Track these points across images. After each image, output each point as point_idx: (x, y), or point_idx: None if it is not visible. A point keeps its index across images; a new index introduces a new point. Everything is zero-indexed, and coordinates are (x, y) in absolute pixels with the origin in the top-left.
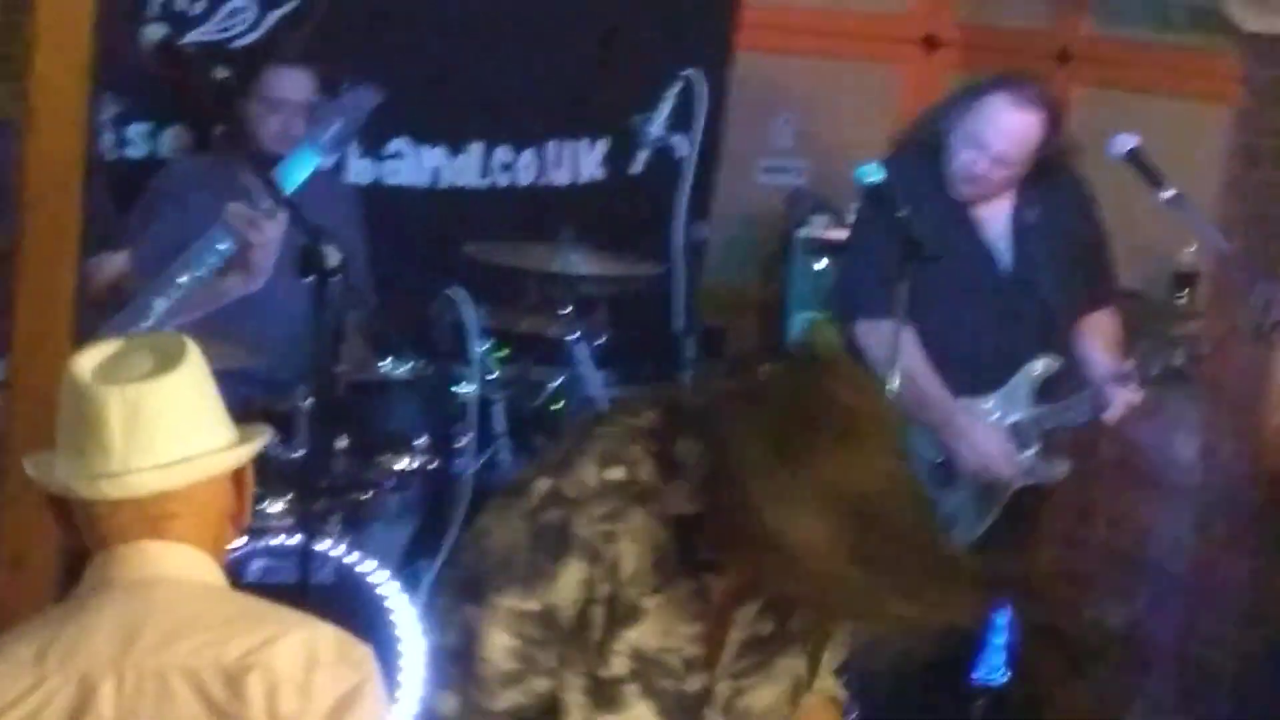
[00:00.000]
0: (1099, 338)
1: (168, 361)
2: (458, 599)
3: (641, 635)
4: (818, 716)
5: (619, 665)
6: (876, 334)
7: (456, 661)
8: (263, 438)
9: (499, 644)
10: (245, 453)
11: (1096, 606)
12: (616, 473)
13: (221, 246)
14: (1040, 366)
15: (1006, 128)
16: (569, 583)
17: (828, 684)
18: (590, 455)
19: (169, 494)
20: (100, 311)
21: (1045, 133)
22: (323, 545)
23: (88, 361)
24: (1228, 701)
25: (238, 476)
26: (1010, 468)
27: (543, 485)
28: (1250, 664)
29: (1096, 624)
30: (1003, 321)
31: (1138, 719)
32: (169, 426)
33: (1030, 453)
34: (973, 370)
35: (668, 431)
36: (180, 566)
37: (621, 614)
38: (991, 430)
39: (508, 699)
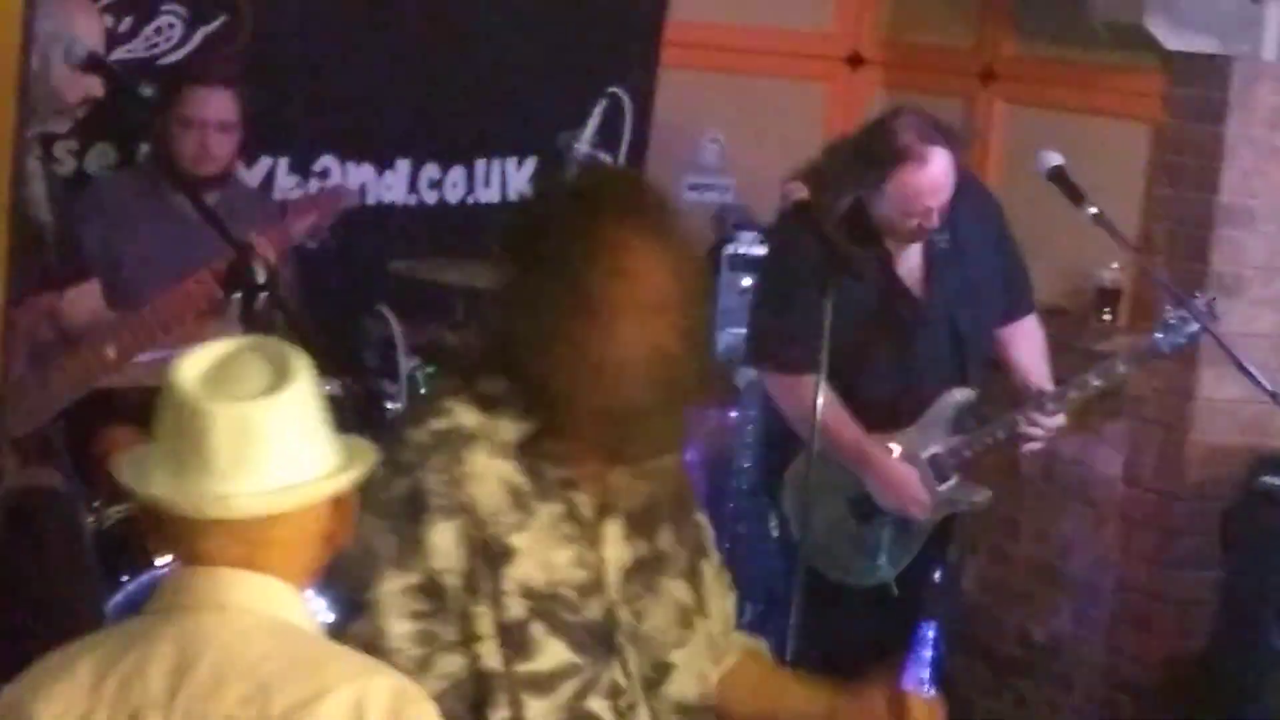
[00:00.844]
0: (1024, 342)
1: (279, 377)
2: (342, 621)
3: (524, 572)
4: (749, 668)
5: (516, 607)
6: (794, 393)
7: None
8: (369, 460)
9: (398, 632)
10: (351, 478)
11: (1021, 620)
12: (440, 423)
13: None
14: (957, 398)
15: (931, 185)
16: (443, 544)
17: (739, 639)
18: (411, 423)
19: (270, 520)
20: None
21: (955, 158)
22: None
23: (193, 369)
24: (1151, 715)
25: (339, 500)
26: (926, 508)
27: (378, 475)
28: (1173, 677)
29: (1021, 637)
30: (918, 356)
31: None
32: (276, 450)
33: (950, 484)
34: (889, 405)
35: (469, 377)
36: (251, 598)
37: (497, 555)
38: (908, 469)
39: (428, 689)
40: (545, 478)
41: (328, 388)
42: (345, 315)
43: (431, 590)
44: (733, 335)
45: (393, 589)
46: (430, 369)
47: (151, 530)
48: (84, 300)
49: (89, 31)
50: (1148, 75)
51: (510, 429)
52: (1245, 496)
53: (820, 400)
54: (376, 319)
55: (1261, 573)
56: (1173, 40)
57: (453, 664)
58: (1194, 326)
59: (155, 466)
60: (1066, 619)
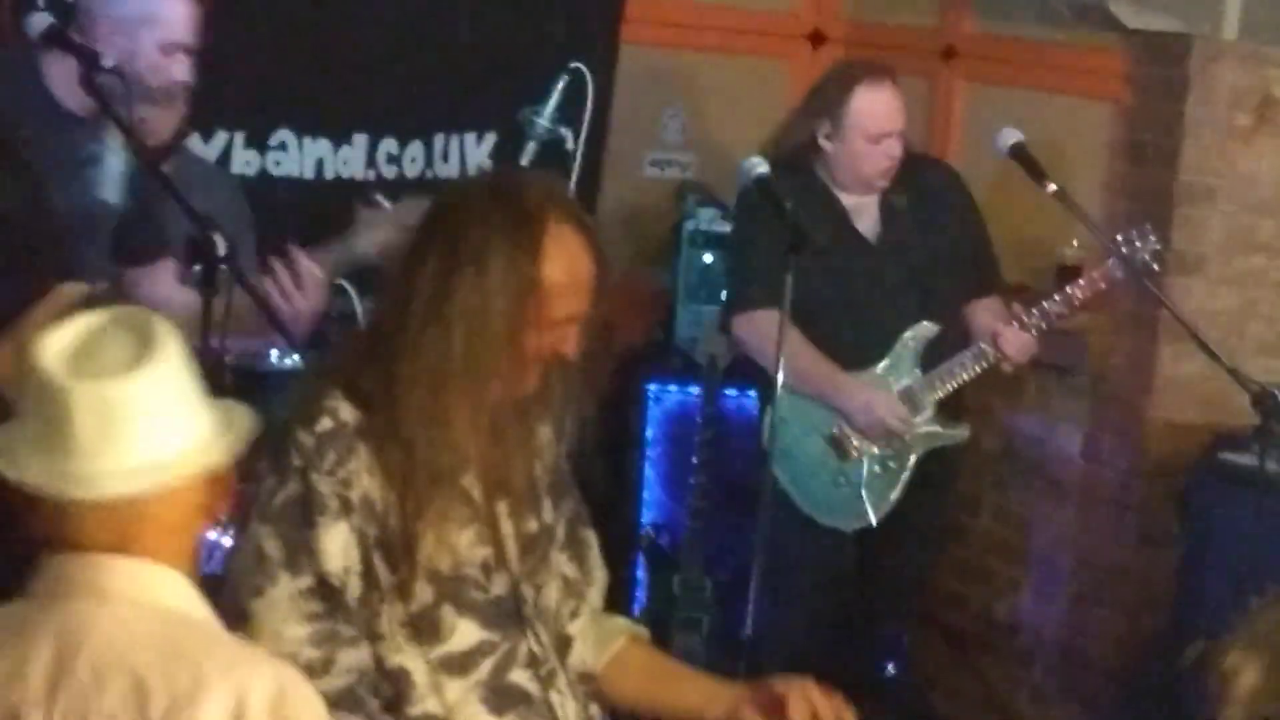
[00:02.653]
0: (985, 307)
1: (143, 351)
2: (238, 628)
3: (428, 558)
4: (636, 652)
5: (423, 594)
6: (753, 324)
7: None
8: (240, 430)
9: (294, 636)
10: (220, 453)
11: (982, 597)
12: (325, 424)
13: None
14: (917, 331)
15: (888, 109)
16: (335, 548)
17: (623, 622)
18: (294, 426)
19: (141, 499)
20: None
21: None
22: (211, 534)
23: (54, 347)
24: (1111, 691)
25: (218, 478)
26: (904, 424)
27: (267, 480)
28: (1133, 654)
29: (982, 614)
30: (875, 295)
31: (1023, 708)
32: (142, 428)
33: (925, 416)
34: (856, 348)
35: (348, 373)
36: (132, 586)
37: (398, 544)
38: (880, 391)
39: (334, 685)
40: (436, 461)
41: (289, 362)
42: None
43: (325, 592)
44: (693, 312)
45: (285, 593)
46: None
47: (22, 513)
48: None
49: (178, 16)
50: (1109, 54)
51: (388, 422)
52: (1205, 473)
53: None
54: (338, 294)
55: (1221, 549)
56: (1134, 19)
57: (356, 658)
58: (1147, 251)
59: (23, 448)
60: (1027, 596)
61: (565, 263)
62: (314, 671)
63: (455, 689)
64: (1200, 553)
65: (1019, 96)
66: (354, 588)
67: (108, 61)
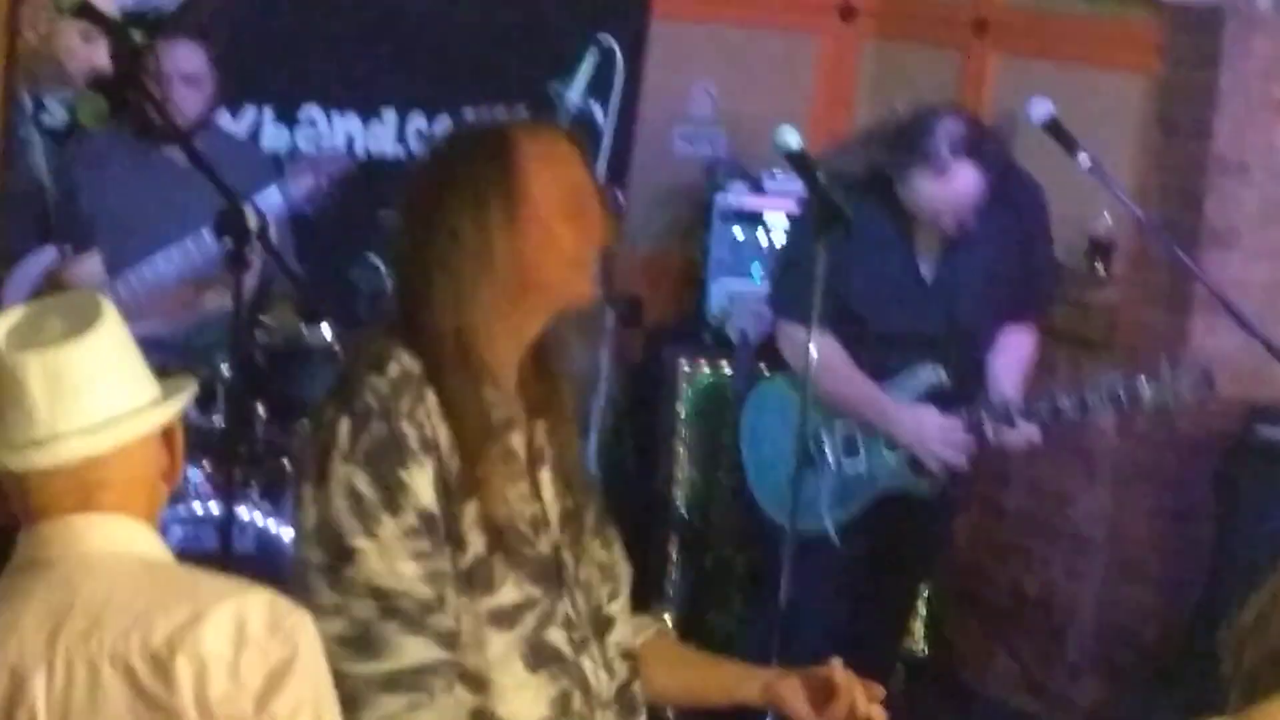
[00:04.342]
0: (1009, 355)
1: (84, 322)
2: (328, 575)
3: (484, 505)
4: (664, 644)
5: (476, 543)
6: (790, 340)
7: (385, 618)
8: (189, 390)
9: (409, 574)
10: (173, 408)
11: (1014, 573)
12: (394, 369)
13: None
14: (926, 372)
15: (947, 199)
16: (424, 484)
17: (648, 618)
18: (362, 373)
19: (100, 459)
20: None
21: (988, 175)
22: (243, 513)
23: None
24: (1145, 667)
25: (168, 433)
26: (957, 450)
27: (343, 426)
28: (1167, 630)
29: (1013, 591)
30: (910, 333)
31: (1055, 684)
32: (93, 389)
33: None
34: (875, 361)
35: (397, 330)
36: (109, 540)
37: (459, 489)
38: (923, 411)
39: (438, 624)
40: (488, 415)
41: (321, 335)
42: (335, 266)
43: (427, 529)
44: (724, 286)
45: (393, 532)
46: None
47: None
48: (86, 273)
49: None
50: (1142, 26)
51: (440, 372)
52: (1239, 448)
53: (828, 353)
54: (367, 269)
55: (1256, 524)
56: None
57: (455, 598)
58: (1178, 389)
59: None
60: (1059, 572)
61: (543, 170)
62: (430, 609)
63: (499, 644)
64: (1234, 527)
65: (1051, 69)
66: (439, 526)
67: (136, 37)
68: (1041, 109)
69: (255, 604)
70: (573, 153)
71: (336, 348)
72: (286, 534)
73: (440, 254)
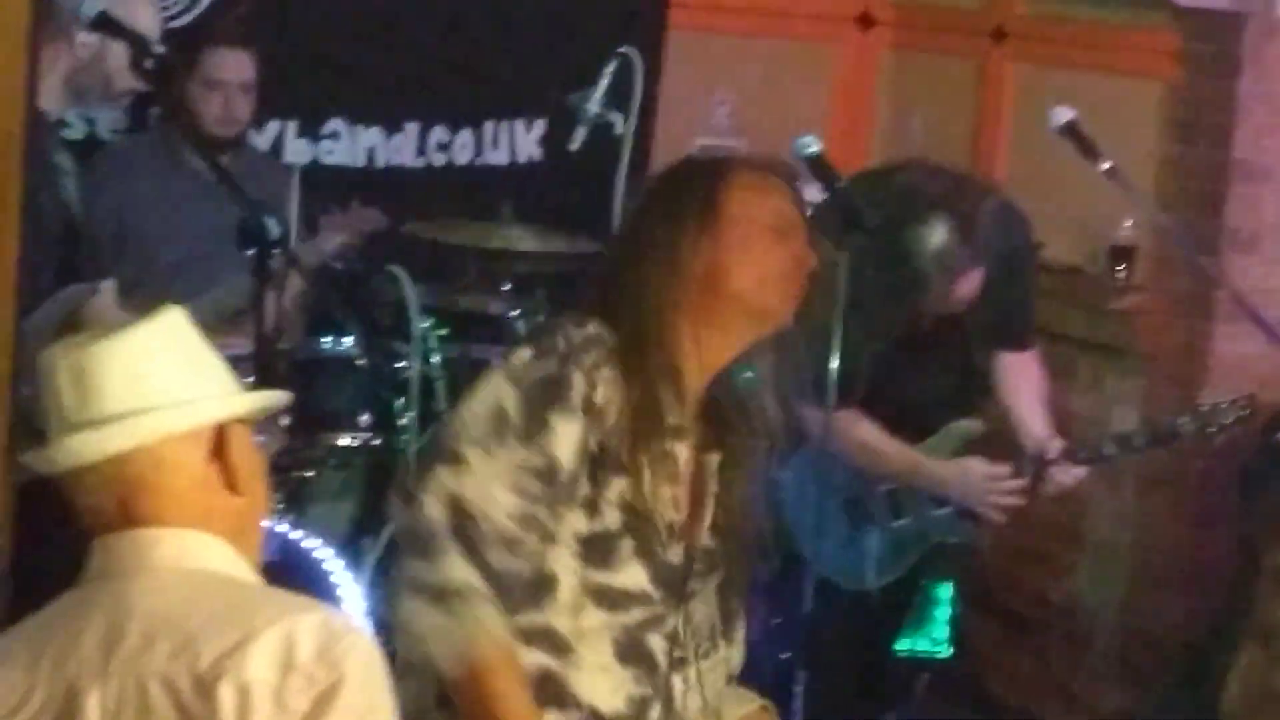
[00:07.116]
0: (1023, 386)
1: (132, 321)
2: (430, 467)
3: (630, 487)
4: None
5: (611, 517)
6: (813, 421)
7: (451, 530)
8: (247, 397)
9: (504, 503)
10: (209, 409)
11: (1038, 579)
12: (592, 329)
13: None
14: (965, 428)
15: (953, 298)
16: (568, 436)
17: (751, 693)
18: (563, 322)
19: (125, 458)
20: None
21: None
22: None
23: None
24: (1169, 673)
25: (219, 440)
26: (1009, 497)
27: (524, 352)
28: (1191, 635)
29: (1038, 597)
30: (929, 382)
31: (1079, 690)
32: (115, 382)
33: (942, 512)
34: (893, 426)
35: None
36: (178, 555)
37: (610, 463)
38: (968, 464)
39: (500, 561)
40: (662, 418)
41: (342, 346)
42: (357, 276)
43: (548, 476)
44: None
45: (512, 459)
46: (443, 330)
47: (69, 514)
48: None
49: (146, 21)
50: (1160, 32)
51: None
52: (1263, 452)
53: (856, 423)
54: (389, 280)
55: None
56: None
57: (533, 553)
58: (1220, 423)
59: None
60: (1083, 578)
61: (746, 194)
62: (500, 544)
63: (595, 619)
64: (1259, 532)
65: (1069, 77)
66: (565, 482)
67: (159, 50)
68: (1062, 116)
69: (306, 627)
70: (781, 184)
71: (358, 358)
72: (309, 543)
73: (633, 252)
